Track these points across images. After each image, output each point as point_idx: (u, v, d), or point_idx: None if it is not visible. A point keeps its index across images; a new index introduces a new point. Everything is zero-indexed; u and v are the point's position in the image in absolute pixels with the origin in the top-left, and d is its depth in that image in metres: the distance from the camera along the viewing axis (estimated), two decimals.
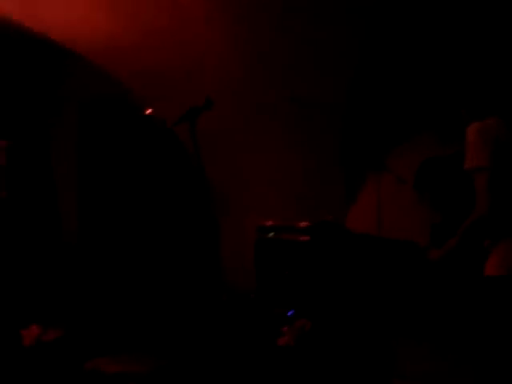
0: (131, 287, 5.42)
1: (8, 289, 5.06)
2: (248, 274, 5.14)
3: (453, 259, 2.86)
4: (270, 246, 5.00)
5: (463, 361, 3.41)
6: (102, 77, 5.81)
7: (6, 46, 5.86)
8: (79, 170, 6.47)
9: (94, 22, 5.05)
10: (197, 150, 2.94)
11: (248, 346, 4.28)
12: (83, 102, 6.45)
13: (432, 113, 4.94)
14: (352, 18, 4.83)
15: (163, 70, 5.33)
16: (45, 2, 4.93)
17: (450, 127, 3.48)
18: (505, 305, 2.65)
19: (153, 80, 5.47)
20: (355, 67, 5.24)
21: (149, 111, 4.29)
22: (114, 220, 6.10)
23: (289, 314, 4.57)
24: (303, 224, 4.88)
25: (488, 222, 2.69)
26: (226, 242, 5.86)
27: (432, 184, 3.70)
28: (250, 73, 5.25)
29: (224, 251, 5.88)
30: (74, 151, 6.50)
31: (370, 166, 5.33)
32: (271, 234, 5.02)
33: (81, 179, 6.45)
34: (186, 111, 3.02)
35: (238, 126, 5.50)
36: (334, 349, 4.14)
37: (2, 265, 5.29)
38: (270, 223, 5.08)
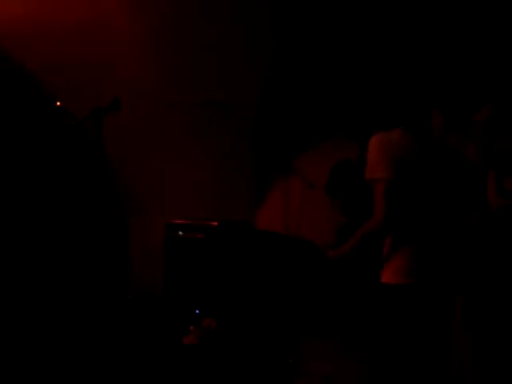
0: (27, 287, 5.20)
1: None
2: (156, 272, 5.11)
3: (347, 260, 2.93)
4: (179, 243, 4.96)
5: (367, 359, 3.50)
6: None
7: None
8: None
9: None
10: (103, 149, 2.91)
11: (153, 345, 4.27)
12: None
13: (342, 117, 5.05)
14: (268, 17, 4.88)
15: (76, 65, 5.23)
16: None
17: (358, 132, 3.57)
18: (400, 312, 2.75)
19: (64, 74, 5.35)
20: (270, 66, 5.29)
21: (58, 103, 4.20)
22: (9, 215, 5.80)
23: (196, 312, 4.59)
24: (212, 223, 4.89)
25: (382, 230, 2.74)
26: (135, 240, 5.81)
27: (342, 188, 3.78)
28: (162, 72, 5.22)
29: (133, 250, 5.82)
30: None
31: (279, 169, 5.41)
32: (180, 233, 5.00)
33: None
34: (90, 111, 2.98)
35: (150, 126, 5.46)
36: (239, 347, 4.19)
37: None
38: (179, 221, 5.05)
